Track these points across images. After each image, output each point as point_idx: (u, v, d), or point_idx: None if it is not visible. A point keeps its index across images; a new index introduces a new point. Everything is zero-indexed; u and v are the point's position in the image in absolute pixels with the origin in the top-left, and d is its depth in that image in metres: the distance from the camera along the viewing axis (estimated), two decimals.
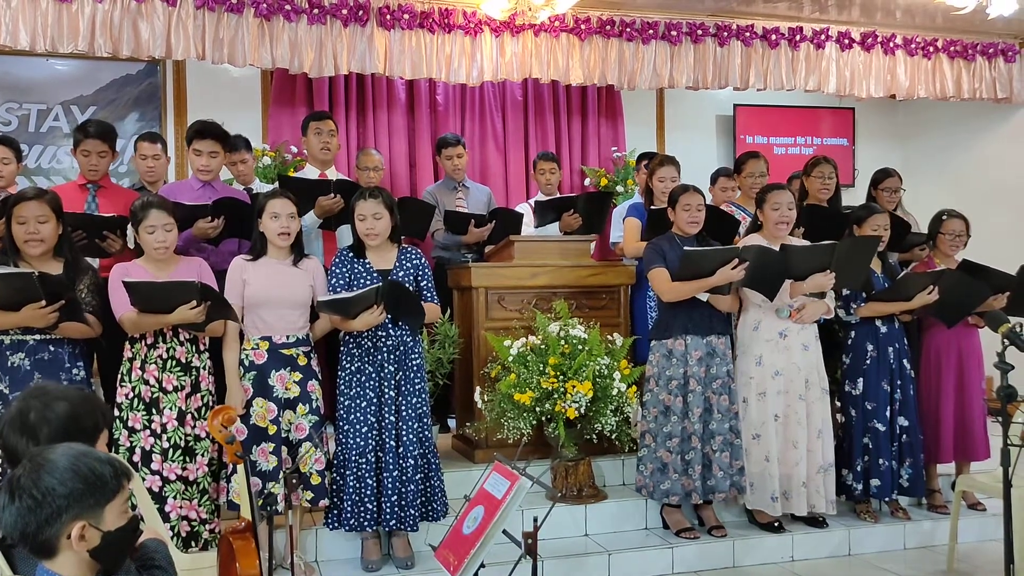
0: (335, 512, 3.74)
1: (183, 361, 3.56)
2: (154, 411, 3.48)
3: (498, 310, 4.60)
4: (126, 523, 1.77)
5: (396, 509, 3.69)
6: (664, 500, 4.13)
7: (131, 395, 3.50)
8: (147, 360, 3.52)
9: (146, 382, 3.50)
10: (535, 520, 2.68)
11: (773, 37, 6.06)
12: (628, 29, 5.79)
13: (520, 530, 2.73)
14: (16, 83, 5.89)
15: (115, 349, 3.61)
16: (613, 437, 4.23)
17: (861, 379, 4.37)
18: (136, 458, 3.44)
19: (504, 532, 2.76)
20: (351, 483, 3.69)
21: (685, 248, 3.97)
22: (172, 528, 3.42)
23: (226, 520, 3.64)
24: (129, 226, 3.61)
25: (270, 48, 5.11)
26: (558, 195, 5.63)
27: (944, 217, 4.65)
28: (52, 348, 3.43)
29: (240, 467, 2.97)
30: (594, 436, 4.20)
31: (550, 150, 6.45)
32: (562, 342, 4.20)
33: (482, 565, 2.75)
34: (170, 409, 3.50)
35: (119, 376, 3.56)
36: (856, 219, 4.45)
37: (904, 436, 4.38)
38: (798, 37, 6.10)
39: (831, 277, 4.04)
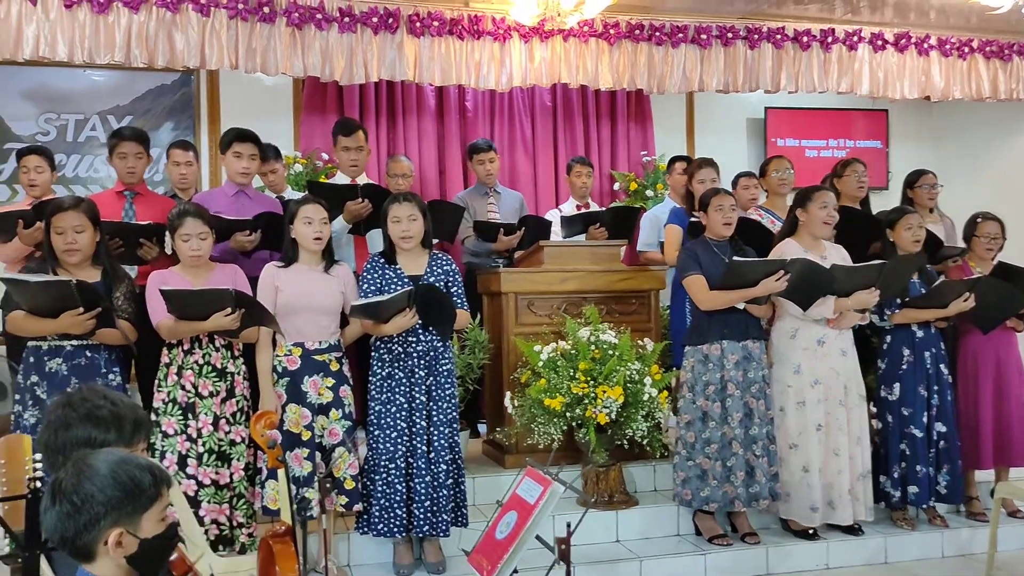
0: (365, 517, 3.76)
1: (219, 367, 3.60)
2: (190, 416, 3.53)
3: (528, 315, 4.60)
4: (164, 530, 1.78)
5: (428, 515, 3.70)
6: (703, 507, 4.08)
7: (167, 399, 3.55)
8: (184, 366, 3.57)
9: (182, 387, 3.55)
10: (568, 525, 2.68)
11: (804, 39, 6.00)
12: (657, 33, 5.78)
13: (551, 536, 2.73)
14: (54, 94, 6.00)
15: (153, 355, 3.66)
16: (644, 443, 4.20)
17: (897, 384, 4.31)
18: (168, 462, 3.47)
19: (537, 538, 2.76)
20: (380, 488, 3.71)
21: (734, 259, 3.93)
22: (205, 532, 3.45)
23: (262, 525, 3.67)
24: (168, 233, 3.66)
25: (301, 56, 5.16)
26: (590, 204, 5.62)
27: (979, 220, 4.59)
28: (89, 354, 3.49)
29: (280, 471, 2.99)
30: (625, 442, 4.18)
31: (579, 155, 6.43)
32: (592, 347, 4.19)
33: (515, 570, 2.76)
34: (206, 414, 3.54)
35: (156, 381, 3.61)
36: (889, 222, 4.40)
37: (942, 442, 4.31)
38: (830, 39, 6.04)
39: (875, 295, 4.04)
